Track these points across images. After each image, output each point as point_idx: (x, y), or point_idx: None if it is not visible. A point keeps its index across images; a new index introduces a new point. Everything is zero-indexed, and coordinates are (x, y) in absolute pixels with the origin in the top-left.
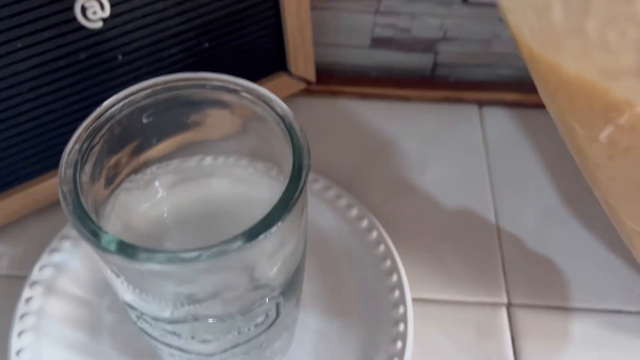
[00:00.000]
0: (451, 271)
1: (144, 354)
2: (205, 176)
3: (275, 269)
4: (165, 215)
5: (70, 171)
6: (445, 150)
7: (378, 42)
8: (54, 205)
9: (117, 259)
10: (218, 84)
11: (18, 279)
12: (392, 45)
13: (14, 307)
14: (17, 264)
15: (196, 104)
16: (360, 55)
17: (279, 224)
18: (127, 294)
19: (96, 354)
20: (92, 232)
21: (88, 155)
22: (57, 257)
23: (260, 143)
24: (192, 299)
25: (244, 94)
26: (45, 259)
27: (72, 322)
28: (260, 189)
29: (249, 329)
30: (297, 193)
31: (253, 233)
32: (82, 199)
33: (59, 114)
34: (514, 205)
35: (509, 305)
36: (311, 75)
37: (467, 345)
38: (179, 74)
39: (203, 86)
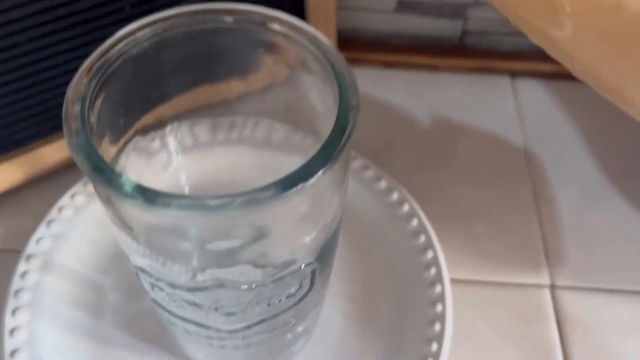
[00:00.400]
0: (488, 250)
1: (152, 336)
2: (222, 144)
3: (313, 231)
4: (177, 184)
5: (78, 106)
6: (476, 123)
7: (404, 6)
8: (52, 173)
9: (133, 205)
10: (255, 18)
11: (13, 253)
12: (418, 9)
13: (7, 282)
14: (12, 237)
15: (224, 44)
16: (384, 20)
17: (320, 174)
18: (141, 257)
19: (98, 335)
20: (103, 172)
21: (97, 93)
22: (55, 228)
23: (298, 101)
24: (218, 261)
25: (288, 32)
26: (42, 230)
27: (72, 300)
28: (289, 160)
29: (280, 300)
30: (344, 139)
31: (289, 182)
32: (93, 140)
33: (61, 69)
34: (553, 181)
35: (552, 287)
36: (332, 42)
37: (509, 330)
38: (208, 3)
39: (235, 21)
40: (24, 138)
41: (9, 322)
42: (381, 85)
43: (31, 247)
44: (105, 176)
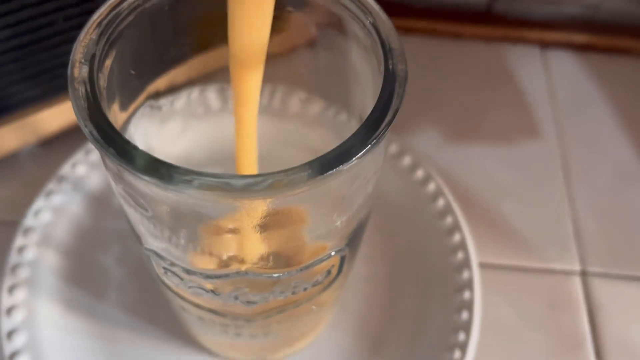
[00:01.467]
0: (516, 233)
1: (159, 317)
2: None
3: (345, 215)
4: (191, 154)
5: (85, 68)
6: (504, 96)
7: None
8: (52, 139)
9: (148, 182)
10: None
11: (9, 225)
12: None
13: (3, 257)
14: (8, 207)
15: None
16: None
17: (361, 155)
18: (155, 239)
19: (101, 315)
20: (115, 143)
21: (107, 52)
22: (55, 200)
23: (329, 67)
24: (242, 246)
25: None
26: (40, 202)
27: (73, 277)
28: (320, 135)
29: (305, 288)
30: (389, 116)
31: (326, 163)
32: (102, 106)
33: (61, 26)
34: (585, 160)
35: (583, 274)
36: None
37: (538, 317)
38: None
39: None
40: (21, 101)
41: (6, 300)
42: None
43: (29, 219)
44: (117, 148)
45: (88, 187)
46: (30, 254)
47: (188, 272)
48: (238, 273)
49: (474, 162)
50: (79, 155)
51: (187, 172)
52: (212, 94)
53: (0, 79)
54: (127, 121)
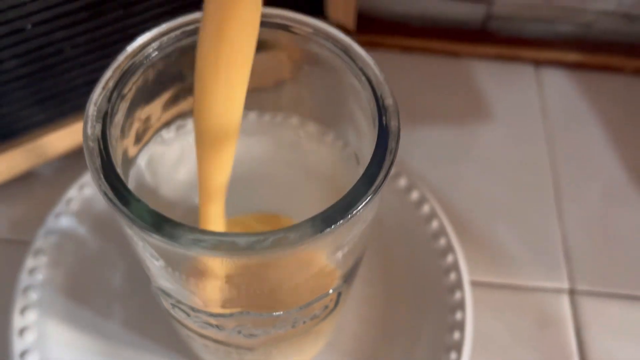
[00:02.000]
0: (506, 251)
1: (165, 337)
2: (246, 134)
3: (341, 256)
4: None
5: (99, 125)
6: (498, 114)
7: None
8: (60, 160)
9: (155, 240)
10: (275, 20)
11: (19, 245)
12: None
13: (14, 276)
14: (19, 227)
15: None
16: (404, 1)
17: (361, 207)
18: (164, 280)
19: (109, 334)
20: (127, 203)
21: (119, 105)
22: (64, 221)
23: (319, 98)
24: (246, 291)
25: (301, 30)
26: (50, 223)
27: (82, 297)
28: (310, 156)
29: (304, 322)
30: (386, 167)
31: (328, 219)
32: (114, 160)
33: (68, 54)
34: (575, 179)
35: (571, 292)
36: (350, 23)
37: (527, 335)
38: None
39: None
40: (30, 124)
41: (18, 321)
42: (399, 71)
43: (39, 241)
44: (129, 205)
45: (96, 209)
46: (40, 275)
47: (194, 309)
48: (241, 313)
49: (468, 179)
50: (86, 177)
51: (193, 231)
52: None
53: (10, 105)
54: (138, 153)
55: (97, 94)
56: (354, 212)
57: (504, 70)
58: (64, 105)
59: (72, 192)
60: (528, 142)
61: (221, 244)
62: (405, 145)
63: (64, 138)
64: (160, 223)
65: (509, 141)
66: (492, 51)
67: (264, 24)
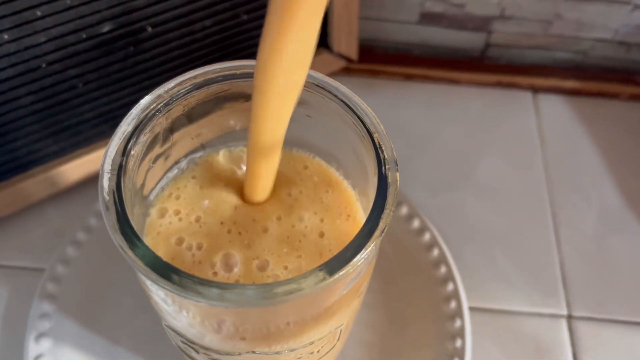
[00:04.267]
0: (505, 277)
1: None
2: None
3: (344, 294)
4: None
5: (114, 179)
6: (496, 140)
7: (427, 18)
8: (73, 190)
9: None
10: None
11: (34, 272)
12: (442, 21)
13: (28, 303)
14: (33, 254)
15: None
16: (405, 31)
17: (364, 254)
18: (175, 320)
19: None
20: (142, 253)
21: (128, 159)
22: (77, 250)
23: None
24: (254, 335)
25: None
26: (64, 251)
27: (93, 324)
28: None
29: (309, 356)
30: (386, 215)
31: (334, 268)
32: (128, 211)
33: (80, 90)
34: (572, 204)
35: (569, 318)
36: (353, 53)
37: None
38: (227, 62)
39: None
40: (45, 155)
41: (33, 349)
42: (401, 99)
43: (53, 268)
44: (143, 257)
45: (109, 238)
46: (54, 303)
47: (203, 347)
48: (247, 352)
49: (467, 207)
50: (98, 206)
51: (203, 282)
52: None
53: (26, 137)
54: (146, 198)
55: (112, 148)
56: (360, 258)
57: (503, 97)
58: (77, 137)
59: (85, 221)
60: (526, 168)
61: (230, 296)
62: (405, 173)
63: (76, 168)
64: (170, 275)
65: (508, 167)
66: (491, 79)
67: None
